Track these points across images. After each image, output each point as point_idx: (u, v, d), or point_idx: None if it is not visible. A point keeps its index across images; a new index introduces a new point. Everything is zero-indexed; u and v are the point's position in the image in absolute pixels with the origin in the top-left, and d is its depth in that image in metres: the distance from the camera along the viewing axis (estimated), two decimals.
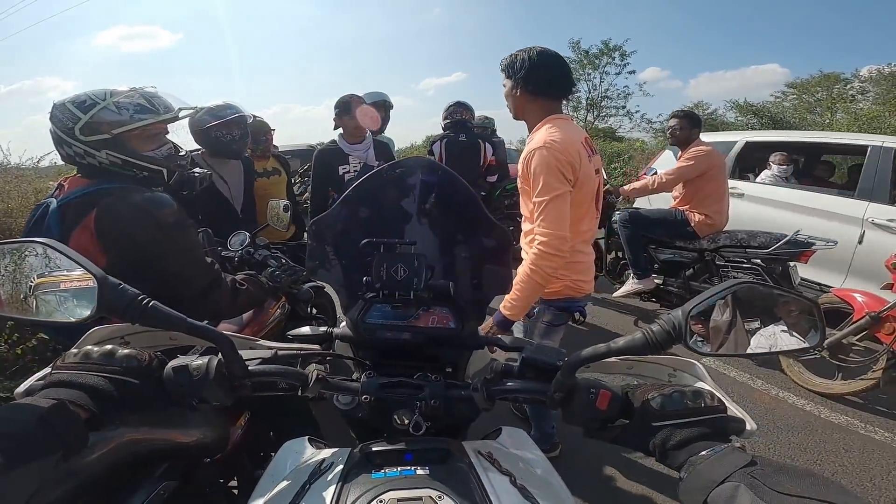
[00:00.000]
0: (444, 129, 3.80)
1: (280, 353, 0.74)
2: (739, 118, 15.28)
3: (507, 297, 1.38)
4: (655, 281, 3.26)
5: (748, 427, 0.59)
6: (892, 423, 2.40)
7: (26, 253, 0.61)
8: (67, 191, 1.18)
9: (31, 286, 0.61)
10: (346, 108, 2.41)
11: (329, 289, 2.38)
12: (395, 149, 3.39)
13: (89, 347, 0.59)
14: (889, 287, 2.44)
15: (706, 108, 17.69)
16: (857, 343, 2.48)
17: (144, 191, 1.17)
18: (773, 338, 0.62)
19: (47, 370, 0.60)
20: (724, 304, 0.59)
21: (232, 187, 2.28)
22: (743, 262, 2.98)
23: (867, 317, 2.37)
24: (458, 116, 3.70)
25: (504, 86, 1.51)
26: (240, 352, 0.62)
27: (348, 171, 2.47)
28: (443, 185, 0.85)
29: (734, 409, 0.63)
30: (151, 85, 1.27)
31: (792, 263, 2.87)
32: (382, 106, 3.15)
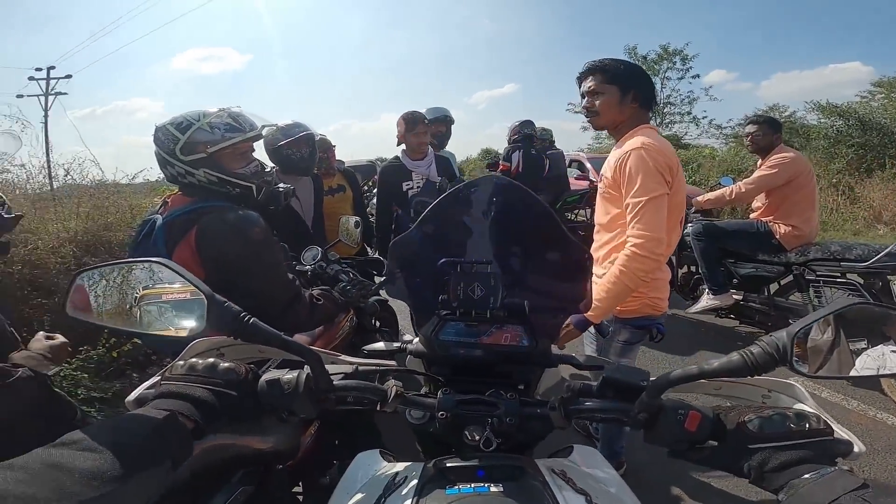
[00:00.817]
0: (512, 142, 4.05)
1: (360, 368, 0.75)
2: (823, 120, 14.05)
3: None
4: (735, 297, 3.02)
5: (856, 449, 0.55)
6: None
7: (134, 269, 0.66)
8: (171, 208, 1.27)
9: (135, 297, 0.65)
10: (411, 124, 2.46)
11: (392, 302, 2.49)
12: (456, 162, 3.44)
13: (193, 360, 0.62)
14: None
15: (783, 111, 16.49)
16: None
17: (238, 209, 1.25)
18: (882, 359, 0.57)
19: (156, 379, 0.64)
20: (824, 323, 0.56)
21: (303, 203, 2.38)
22: (837, 277, 2.68)
23: None
24: (529, 130, 4.02)
25: (597, 93, 1.45)
26: (330, 366, 0.64)
27: (412, 187, 2.53)
28: (517, 203, 0.85)
29: (840, 431, 0.58)
30: (237, 105, 1.36)
31: (893, 278, 2.56)
32: (444, 121, 3.18)
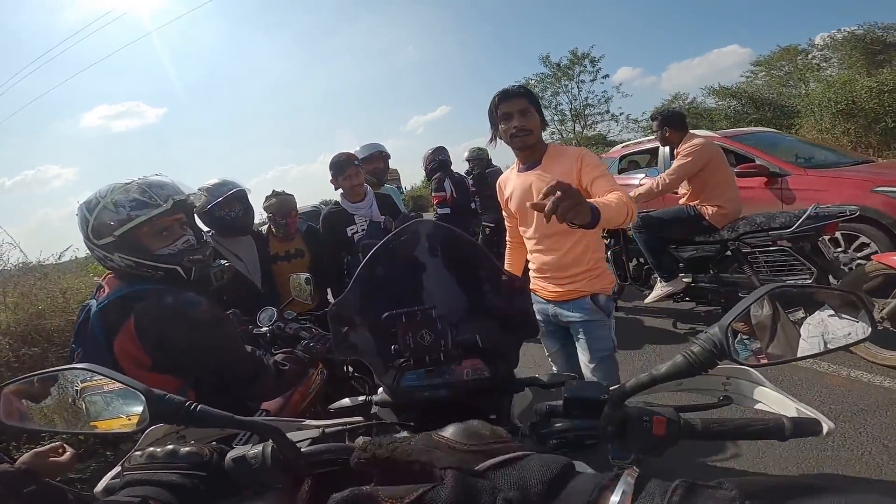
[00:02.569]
0: (430, 170, 4.18)
1: (327, 430, 0.75)
2: (720, 103, 15.47)
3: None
4: (685, 280, 3.18)
5: (825, 428, 0.57)
6: None
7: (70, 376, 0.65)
8: (106, 293, 1.17)
9: (76, 390, 0.64)
10: (339, 169, 2.41)
11: None
12: (403, 193, 3.43)
13: (151, 449, 0.61)
14: None
15: (685, 99, 18.04)
16: None
17: (175, 292, 1.15)
18: (821, 337, 0.60)
19: (117, 469, 0.64)
20: (760, 310, 0.58)
21: (248, 264, 2.25)
22: (770, 245, 2.89)
23: None
24: (443, 157, 4.16)
25: (528, 112, 1.58)
26: (290, 434, 0.64)
27: (356, 231, 2.47)
28: (447, 243, 0.87)
29: (805, 411, 0.61)
30: (156, 172, 1.25)
31: (820, 238, 2.79)
32: (379, 157, 3.16)
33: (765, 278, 2.95)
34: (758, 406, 0.72)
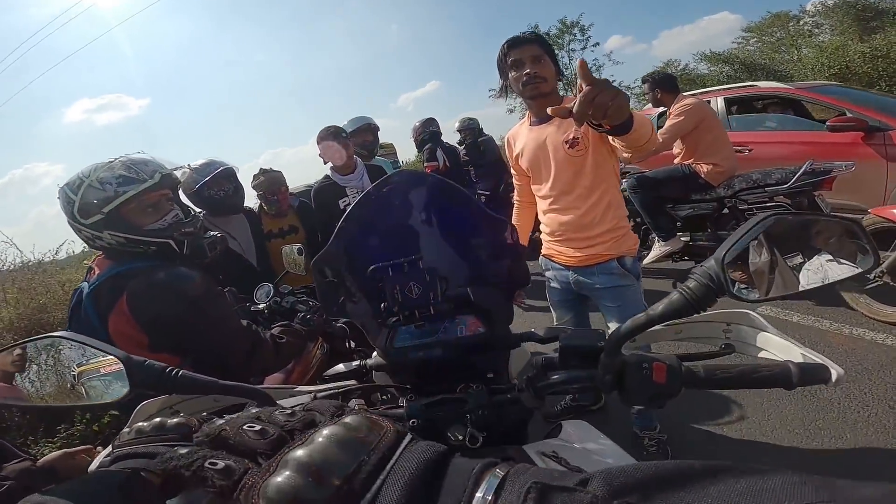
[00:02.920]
0: (420, 142, 4.17)
1: (319, 395, 0.73)
2: (713, 69, 15.36)
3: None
4: (682, 239, 3.16)
5: (834, 374, 0.54)
6: None
7: (60, 347, 0.66)
8: (97, 274, 1.16)
9: (74, 375, 0.65)
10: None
11: None
12: (401, 166, 3.39)
13: (140, 424, 0.58)
14: None
15: (678, 65, 17.87)
16: None
17: (168, 267, 1.14)
18: (823, 269, 0.56)
19: (108, 449, 0.62)
20: (758, 244, 0.54)
21: (242, 242, 2.23)
22: (766, 202, 2.88)
23: None
24: (433, 128, 4.18)
25: (541, 60, 1.46)
26: (281, 401, 0.63)
27: (348, 203, 2.43)
28: (434, 192, 0.83)
29: (812, 356, 0.57)
30: (139, 150, 1.22)
31: (817, 193, 2.77)
32: (368, 129, 3.11)
33: None
34: (762, 354, 0.67)
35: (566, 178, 1.50)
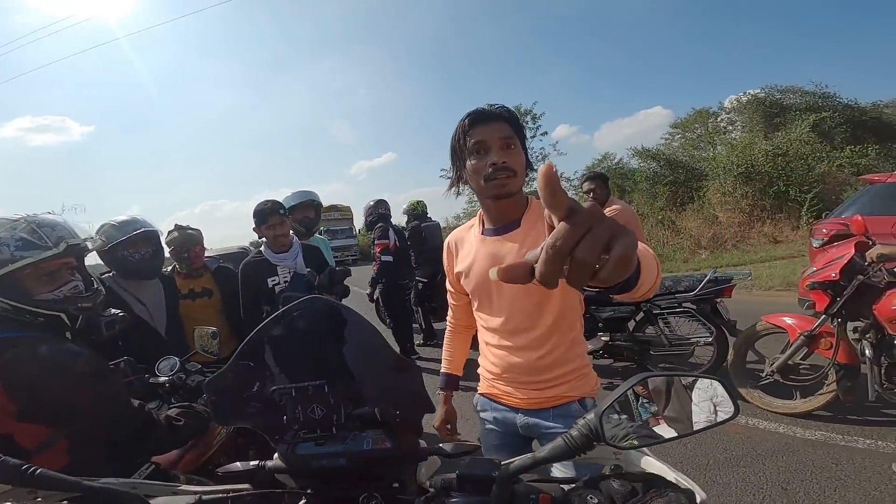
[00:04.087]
0: (370, 222, 4.28)
1: (205, 497, 0.71)
2: (642, 164, 16.77)
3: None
4: (603, 339, 3.34)
5: (698, 499, 0.62)
6: (869, 429, 2.46)
7: None
8: None
9: None
10: (261, 218, 2.33)
11: None
12: (356, 233, 3.41)
13: None
14: (813, 306, 2.62)
15: (613, 159, 19.32)
16: (803, 362, 2.61)
17: (52, 341, 1.06)
18: (691, 418, 0.66)
19: None
20: (633, 399, 0.66)
21: (152, 310, 2.07)
22: (676, 307, 3.14)
23: (801, 337, 2.53)
24: (383, 210, 4.29)
25: (511, 145, 1.10)
26: (161, 499, 0.63)
27: (278, 283, 2.37)
28: (340, 321, 0.86)
29: (683, 481, 0.66)
30: (50, 210, 1.17)
31: (718, 300, 3.07)
32: (311, 206, 3.08)
33: (673, 337, 3.18)
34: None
35: (526, 312, 1.14)
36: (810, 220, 9.56)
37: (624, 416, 0.65)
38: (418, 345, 4.83)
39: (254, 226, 2.39)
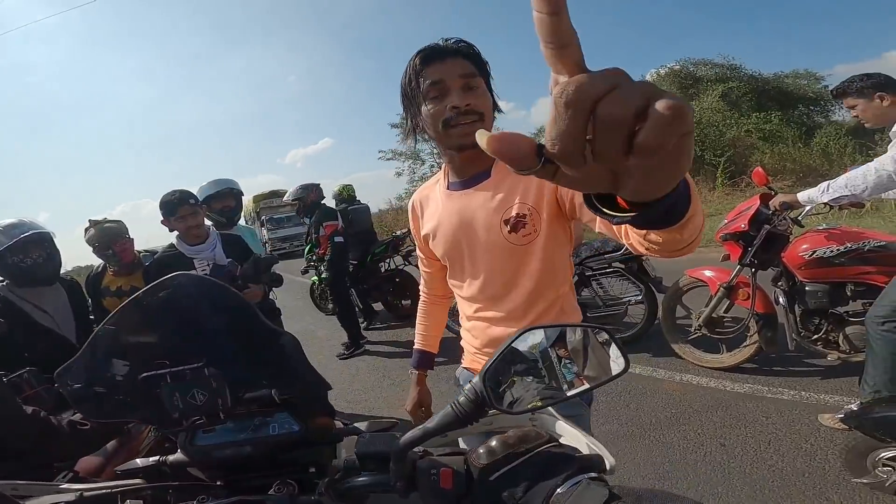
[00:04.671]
0: (310, 207, 4.20)
1: (87, 493, 0.67)
2: None
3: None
4: None
5: (607, 464, 0.58)
6: (792, 380, 2.58)
7: None
8: None
9: None
10: (169, 210, 2.16)
11: None
12: (257, 237, 3.20)
13: None
14: (728, 258, 2.72)
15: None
16: (727, 315, 2.75)
17: None
18: (582, 374, 0.63)
19: None
20: (517, 355, 0.61)
21: (56, 316, 1.91)
22: (606, 268, 3.27)
23: (721, 289, 2.67)
24: (319, 195, 4.25)
25: (474, 86, 0.92)
26: (40, 499, 0.60)
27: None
28: (213, 298, 0.80)
29: (594, 447, 0.62)
30: None
31: (644, 257, 3.23)
32: (230, 194, 2.90)
33: (607, 298, 3.32)
34: (561, 440, 0.73)
35: (503, 276, 1.00)
36: (725, 182, 10.44)
37: (527, 378, 0.62)
38: (364, 328, 4.77)
39: (161, 218, 2.21)
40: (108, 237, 2.17)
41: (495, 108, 1.00)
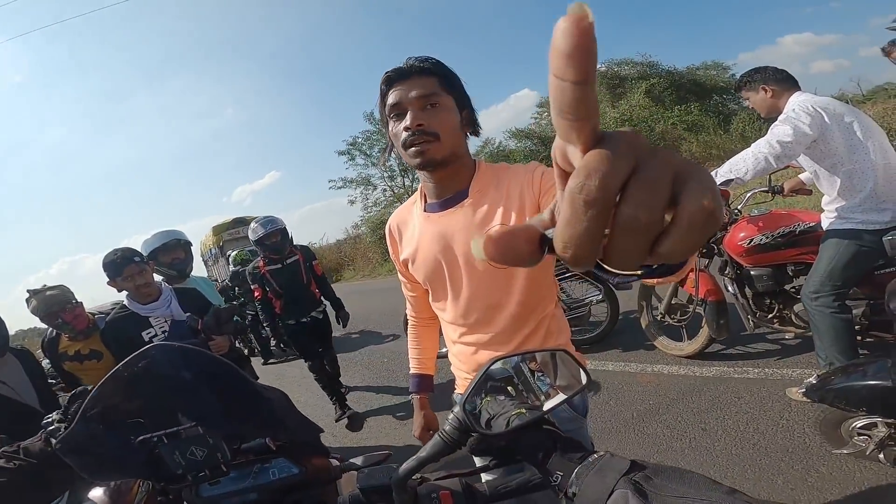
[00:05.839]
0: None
1: None
2: (519, 144, 17.93)
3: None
4: None
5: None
6: (756, 360, 2.68)
7: None
8: None
9: None
10: (114, 270, 2.04)
11: None
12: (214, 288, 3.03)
13: None
14: None
15: (493, 144, 20.43)
16: (683, 302, 2.86)
17: None
18: (552, 394, 0.68)
19: None
20: (491, 379, 0.66)
21: (14, 385, 1.85)
22: (566, 272, 3.35)
23: None
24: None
25: (435, 103, 0.91)
26: None
27: (155, 335, 2.09)
28: (193, 363, 0.81)
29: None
30: None
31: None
32: (178, 246, 2.74)
33: (570, 301, 3.43)
34: None
35: (486, 300, 0.98)
36: None
37: (502, 399, 0.64)
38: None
39: (107, 280, 2.08)
40: (55, 305, 2.06)
41: (469, 124, 0.99)
